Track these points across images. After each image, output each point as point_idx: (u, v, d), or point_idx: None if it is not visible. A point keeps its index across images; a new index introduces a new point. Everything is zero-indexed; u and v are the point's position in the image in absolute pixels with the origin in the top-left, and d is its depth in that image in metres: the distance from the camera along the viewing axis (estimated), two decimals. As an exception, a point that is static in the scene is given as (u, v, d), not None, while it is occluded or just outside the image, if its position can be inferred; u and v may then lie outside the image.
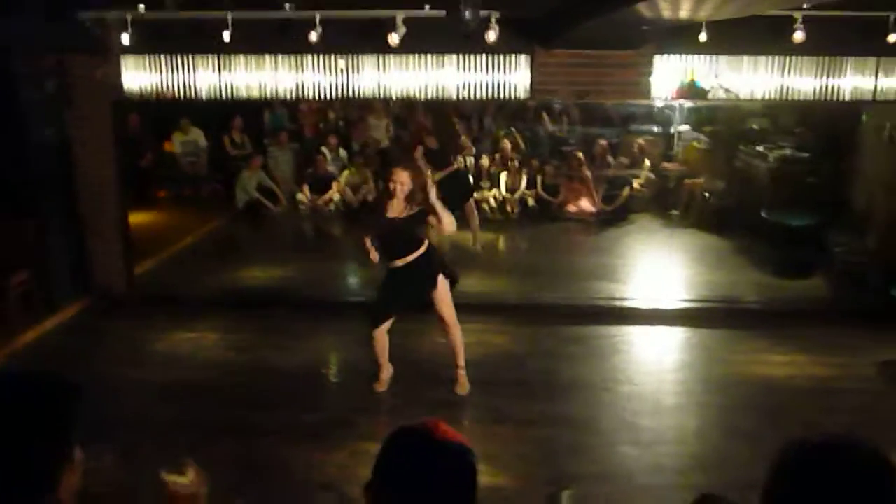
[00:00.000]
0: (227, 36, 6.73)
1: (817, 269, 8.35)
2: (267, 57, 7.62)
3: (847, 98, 7.69)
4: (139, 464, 3.21)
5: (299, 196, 11.34)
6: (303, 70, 7.67)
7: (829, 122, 10.19)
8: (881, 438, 4.76)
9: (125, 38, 6.88)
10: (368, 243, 5.62)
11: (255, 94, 7.75)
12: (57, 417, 1.50)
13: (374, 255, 5.60)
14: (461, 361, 5.71)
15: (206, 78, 7.69)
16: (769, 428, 5.03)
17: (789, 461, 1.50)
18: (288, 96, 7.88)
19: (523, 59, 7.50)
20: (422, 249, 5.46)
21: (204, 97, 7.71)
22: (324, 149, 11.66)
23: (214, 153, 11.92)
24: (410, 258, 5.42)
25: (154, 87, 7.72)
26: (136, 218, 9.06)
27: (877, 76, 7.59)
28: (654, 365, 6.42)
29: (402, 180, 5.34)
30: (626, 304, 7.58)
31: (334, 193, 11.24)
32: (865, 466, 1.44)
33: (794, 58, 7.56)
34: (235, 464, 4.60)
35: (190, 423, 5.20)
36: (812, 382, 6.03)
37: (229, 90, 7.72)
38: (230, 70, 7.65)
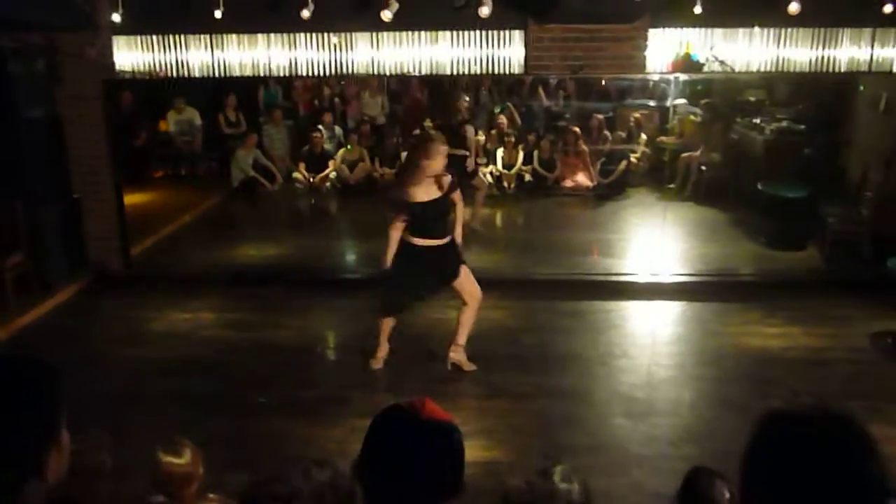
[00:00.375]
0: (217, 14, 6.70)
1: (812, 241, 8.37)
2: (259, 35, 7.61)
3: (843, 69, 7.68)
4: (136, 442, 3.24)
5: (296, 174, 11.33)
6: (296, 47, 7.65)
7: (826, 94, 10.16)
8: (872, 408, 4.78)
9: (115, 17, 6.86)
10: (388, 255, 5.38)
11: (249, 71, 7.75)
12: (39, 400, 1.50)
13: (388, 262, 5.41)
14: (463, 340, 5.69)
15: (198, 56, 7.68)
16: (761, 399, 5.06)
17: (766, 430, 1.53)
18: (282, 73, 7.87)
19: (517, 34, 7.48)
20: (450, 236, 5.45)
21: (197, 75, 7.71)
22: (319, 126, 11.64)
23: (209, 132, 11.87)
24: (444, 241, 5.37)
25: (147, 66, 7.70)
26: (133, 198, 9.07)
27: (872, 46, 7.57)
28: (649, 338, 6.45)
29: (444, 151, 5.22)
30: (623, 278, 7.60)
31: (331, 171, 11.23)
32: (840, 435, 1.45)
33: (789, 29, 7.54)
34: (232, 441, 4.64)
35: (187, 401, 5.24)
36: (805, 353, 6.06)
37: (222, 68, 7.71)
38: (223, 48, 7.64)
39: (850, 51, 7.56)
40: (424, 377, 5.60)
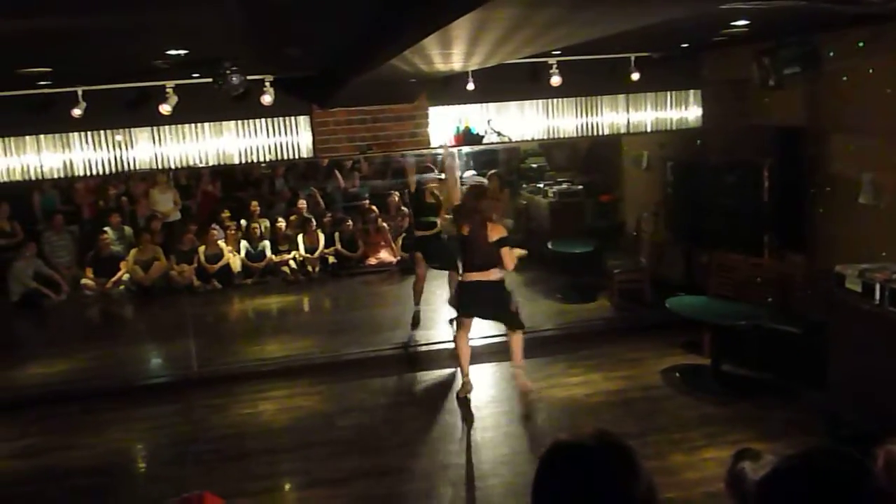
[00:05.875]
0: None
1: (600, 291, 8.97)
2: (27, 137, 7.16)
3: (605, 132, 8.42)
4: None
5: (84, 280, 10.63)
6: (70, 148, 7.27)
7: (597, 156, 11.09)
8: (669, 440, 5.08)
9: None
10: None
11: (19, 176, 7.24)
12: None
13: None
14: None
15: (-43, 165, 7.09)
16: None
17: (547, 460, 1.60)
18: (56, 176, 7.42)
19: (303, 120, 7.57)
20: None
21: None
22: (106, 228, 11.05)
23: (-20, 245, 10.90)
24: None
25: None
26: None
27: (627, 111, 8.38)
28: (464, 403, 6.55)
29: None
30: (432, 347, 7.72)
31: (123, 274, 10.66)
32: (610, 461, 1.55)
33: (555, 100, 8.19)
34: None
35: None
36: (606, 397, 6.43)
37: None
38: (-15, 154, 7.11)
39: (610, 116, 8.33)
40: (239, 475, 5.34)
